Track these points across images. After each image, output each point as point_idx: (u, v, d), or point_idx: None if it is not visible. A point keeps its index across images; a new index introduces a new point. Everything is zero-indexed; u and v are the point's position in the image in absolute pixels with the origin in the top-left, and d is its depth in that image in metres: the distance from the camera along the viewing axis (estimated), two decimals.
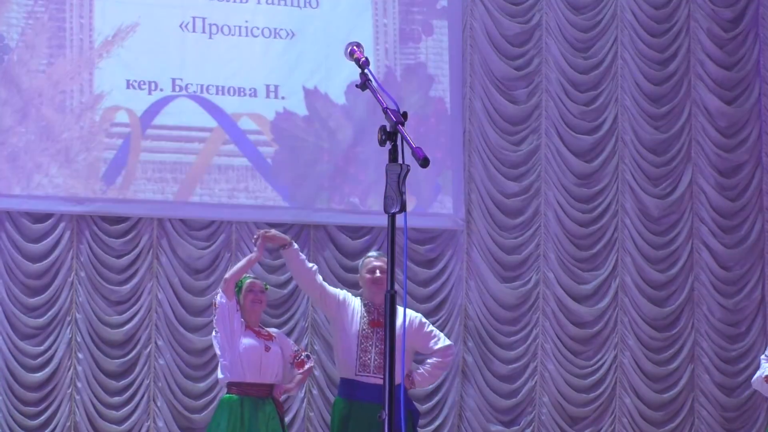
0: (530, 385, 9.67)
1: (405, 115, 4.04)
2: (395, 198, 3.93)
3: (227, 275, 6.87)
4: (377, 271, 6.62)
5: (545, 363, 9.68)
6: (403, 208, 3.93)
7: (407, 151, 3.96)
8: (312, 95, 9.38)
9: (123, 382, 8.97)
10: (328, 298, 6.69)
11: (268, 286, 7.21)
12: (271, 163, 9.28)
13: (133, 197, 8.99)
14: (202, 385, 9.06)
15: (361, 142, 9.39)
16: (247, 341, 6.78)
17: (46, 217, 8.95)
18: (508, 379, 9.64)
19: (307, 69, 9.38)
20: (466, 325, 9.60)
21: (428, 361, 6.83)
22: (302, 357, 7.04)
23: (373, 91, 4.21)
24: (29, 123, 8.88)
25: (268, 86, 9.31)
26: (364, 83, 4.26)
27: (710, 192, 10.04)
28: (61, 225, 8.96)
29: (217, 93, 9.21)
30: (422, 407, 9.15)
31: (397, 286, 4.26)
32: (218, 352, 6.86)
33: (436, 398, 9.44)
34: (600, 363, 9.78)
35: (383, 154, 4.03)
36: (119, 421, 8.93)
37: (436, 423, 9.45)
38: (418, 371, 6.81)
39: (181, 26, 9.21)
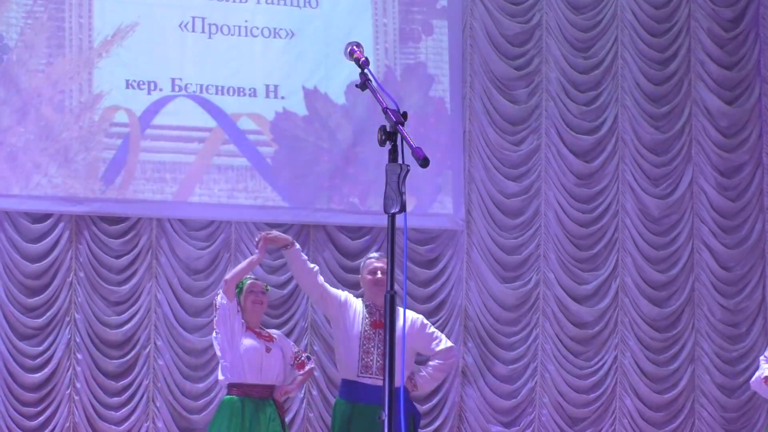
0: (530, 385, 9.65)
1: (405, 115, 4.03)
2: (395, 198, 3.91)
3: (227, 276, 6.84)
4: (378, 272, 6.59)
5: (545, 363, 9.67)
6: (403, 209, 3.91)
7: (407, 151, 3.95)
8: (312, 95, 9.37)
9: (122, 382, 8.96)
10: (330, 298, 6.66)
11: (269, 288, 7.19)
12: (271, 163, 9.27)
13: (133, 197, 8.97)
14: (202, 386, 9.04)
15: (360, 142, 9.37)
16: (247, 342, 6.76)
17: (45, 217, 8.94)
18: (508, 379, 9.63)
19: (307, 69, 9.37)
20: (466, 326, 9.59)
21: (430, 363, 6.80)
22: (303, 358, 7.02)
23: (373, 91, 4.20)
24: (28, 123, 8.86)
25: (267, 86, 9.30)
26: (364, 83, 4.24)
27: (711, 192, 10.03)
28: (60, 225, 8.94)
29: (216, 93, 9.20)
30: (422, 408, 9.14)
31: (397, 287, 4.25)
32: (219, 353, 6.83)
33: (436, 399, 9.42)
34: (600, 364, 9.77)
35: (383, 154, 4.02)
36: (118, 422, 8.92)
37: (436, 423, 9.44)
38: (420, 374, 6.78)
39: (180, 26, 9.19)
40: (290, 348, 7.02)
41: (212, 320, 8.98)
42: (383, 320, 4.10)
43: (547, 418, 9.63)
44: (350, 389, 6.58)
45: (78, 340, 8.92)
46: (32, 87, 8.88)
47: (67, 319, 8.92)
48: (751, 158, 10.15)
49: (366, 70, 4.25)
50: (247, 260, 6.90)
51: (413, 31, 9.66)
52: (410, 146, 3.90)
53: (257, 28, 9.33)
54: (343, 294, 6.73)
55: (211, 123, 9.18)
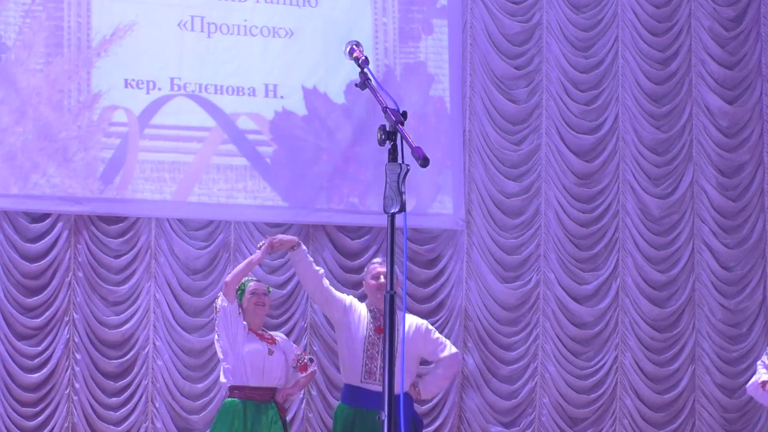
0: (530, 386, 9.64)
1: (405, 114, 4.02)
2: (395, 198, 3.90)
3: (228, 278, 6.79)
4: (382, 276, 6.54)
5: (545, 364, 9.65)
6: (402, 208, 3.90)
7: (407, 150, 3.93)
8: (311, 94, 9.35)
9: (121, 382, 8.95)
10: (335, 302, 6.61)
11: (271, 289, 7.15)
12: (270, 163, 9.25)
13: (131, 197, 8.95)
14: (201, 386, 9.03)
15: (360, 142, 9.35)
16: (250, 345, 6.71)
17: (44, 216, 8.93)
18: (508, 380, 9.62)
19: (306, 68, 9.35)
20: (466, 326, 9.57)
21: (434, 370, 6.76)
22: (305, 360, 6.96)
23: (373, 91, 4.18)
24: (27, 122, 8.84)
25: (266, 85, 9.28)
26: (364, 82, 4.23)
27: (711, 192, 10.01)
28: (59, 225, 8.93)
29: (215, 92, 9.18)
30: (422, 409, 9.12)
31: (397, 287, 4.24)
32: (221, 355, 6.79)
33: (436, 399, 9.40)
34: (600, 364, 9.76)
35: (383, 153, 4.00)
36: (117, 422, 8.91)
37: (436, 424, 9.42)
38: (424, 380, 6.73)
39: (179, 25, 9.17)
40: (292, 350, 6.98)
41: (211, 320, 9.03)
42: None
43: (547, 418, 9.61)
44: (353, 394, 6.54)
45: (77, 340, 8.91)
46: (31, 86, 8.86)
47: (66, 319, 8.91)
48: (752, 158, 10.13)
49: (366, 70, 4.24)
50: (247, 260, 6.86)
51: (413, 30, 9.64)
52: (410, 146, 3.89)
53: (256, 28, 9.30)
54: (348, 298, 6.67)
55: (210, 122, 9.16)
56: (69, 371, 8.89)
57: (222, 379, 6.82)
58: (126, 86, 9.02)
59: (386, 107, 4.03)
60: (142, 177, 8.99)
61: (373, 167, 9.28)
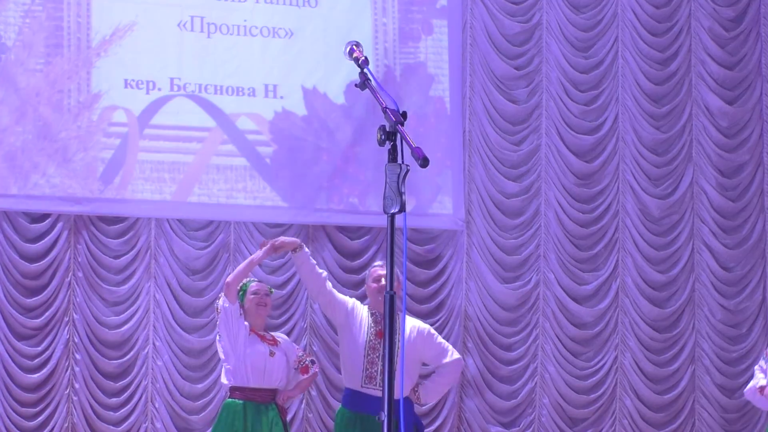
0: (530, 386, 9.63)
1: (404, 114, 4.01)
2: (395, 198, 3.89)
3: (229, 279, 6.77)
4: (383, 279, 6.51)
5: (545, 364, 9.65)
6: (402, 209, 3.89)
7: (407, 150, 3.93)
8: (311, 95, 9.34)
9: (121, 383, 8.95)
10: (337, 306, 6.58)
11: (272, 290, 7.13)
12: (270, 163, 9.24)
13: (131, 197, 8.95)
14: (201, 387, 9.02)
15: (360, 142, 9.35)
16: (251, 346, 6.68)
17: (44, 217, 8.92)
18: (508, 380, 9.61)
19: (306, 68, 9.34)
20: (465, 326, 9.57)
21: (436, 377, 6.73)
22: (307, 362, 6.91)
23: (373, 91, 4.18)
24: (26, 122, 8.84)
25: (266, 86, 9.28)
26: (364, 83, 4.23)
27: (711, 192, 10.01)
28: (59, 225, 8.93)
29: (215, 92, 9.17)
30: (422, 409, 9.11)
31: (398, 288, 4.24)
32: (222, 356, 6.77)
33: (435, 400, 9.39)
34: (600, 364, 9.75)
35: (382, 153, 4.00)
36: (117, 422, 8.91)
37: (436, 424, 9.42)
38: (424, 385, 6.70)
39: (179, 25, 9.17)
40: (294, 352, 6.94)
41: (211, 321, 9.03)
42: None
43: (547, 418, 9.61)
44: (354, 399, 6.51)
45: (76, 340, 8.90)
46: (30, 86, 8.86)
47: (66, 319, 8.90)
48: (751, 158, 10.13)
49: (365, 70, 4.24)
50: (248, 260, 6.84)
51: (413, 30, 9.63)
52: (410, 146, 3.88)
53: (256, 28, 9.30)
54: (351, 301, 6.64)
55: (210, 123, 9.15)
56: (69, 371, 8.89)
57: (223, 379, 6.80)
58: (126, 86, 9.02)
59: (386, 107, 4.02)
60: (142, 177, 8.99)
61: (372, 167, 9.27)
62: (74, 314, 8.92)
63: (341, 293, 6.74)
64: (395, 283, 4.05)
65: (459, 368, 6.75)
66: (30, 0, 8.93)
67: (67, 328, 8.90)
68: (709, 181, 10.03)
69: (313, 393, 9.18)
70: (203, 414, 8.97)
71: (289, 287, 9.21)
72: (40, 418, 8.82)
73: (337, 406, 6.98)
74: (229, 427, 6.67)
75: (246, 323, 6.73)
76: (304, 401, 9.16)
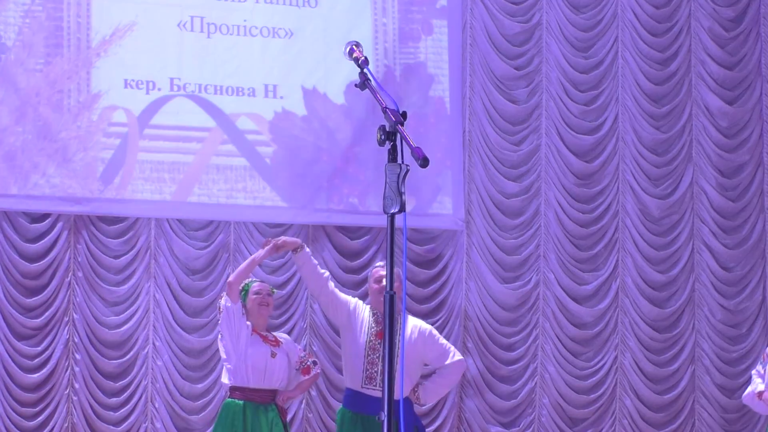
0: (530, 386, 9.63)
1: (404, 114, 4.01)
2: (395, 198, 3.89)
3: (231, 278, 6.77)
4: (384, 280, 6.50)
5: (545, 364, 9.65)
6: (402, 209, 3.89)
7: (407, 150, 3.92)
8: (311, 95, 9.34)
9: (121, 383, 8.94)
10: (339, 306, 6.57)
11: (274, 290, 7.13)
12: (270, 163, 9.24)
13: (131, 197, 8.95)
14: (200, 386, 9.02)
15: (360, 142, 9.35)
16: (252, 346, 6.67)
17: (44, 217, 8.92)
18: (507, 380, 9.61)
19: (306, 68, 9.34)
20: (465, 326, 9.56)
21: (437, 377, 6.71)
22: (308, 363, 6.89)
23: (373, 91, 4.18)
24: (26, 122, 8.84)
25: (266, 86, 9.27)
26: (364, 83, 4.23)
27: (711, 192, 10.01)
28: (59, 225, 8.92)
29: (215, 93, 9.17)
30: (422, 409, 9.11)
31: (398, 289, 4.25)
32: (223, 355, 6.76)
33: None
34: (600, 364, 9.75)
35: (382, 154, 4.00)
36: (117, 422, 8.90)
37: (436, 424, 9.42)
38: (424, 386, 6.69)
39: (179, 25, 9.17)
40: (297, 353, 6.92)
41: (211, 321, 9.04)
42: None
43: (546, 418, 9.61)
44: (354, 399, 6.51)
45: (76, 340, 8.90)
46: (30, 86, 8.86)
47: (66, 319, 8.90)
48: (751, 158, 10.13)
49: (365, 70, 4.23)
50: (249, 259, 6.83)
51: (413, 30, 9.63)
52: (410, 146, 3.88)
53: (256, 28, 9.30)
54: (353, 301, 6.63)
55: (210, 123, 9.15)
56: (69, 371, 8.89)
57: (223, 379, 6.79)
58: (126, 86, 9.02)
59: (386, 107, 4.02)
60: (142, 177, 8.99)
61: (372, 168, 9.27)
62: (74, 314, 8.92)
63: (343, 293, 6.74)
64: (396, 283, 4.05)
65: (461, 370, 6.73)
66: (30, 0, 8.93)
67: (67, 328, 8.90)
68: (709, 181, 10.02)
69: (313, 393, 9.18)
70: (203, 414, 8.97)
71: (289, 287, 9.20)
72: (40, 418, 8.81)
73: (337, 406, 6.99)
74: (228, 427, 6.66)
75: (248, 323, 6.72)
76: (304, 401, 9.16)
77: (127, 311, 8.98)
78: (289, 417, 9.00)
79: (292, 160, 9.25)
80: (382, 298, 6.38)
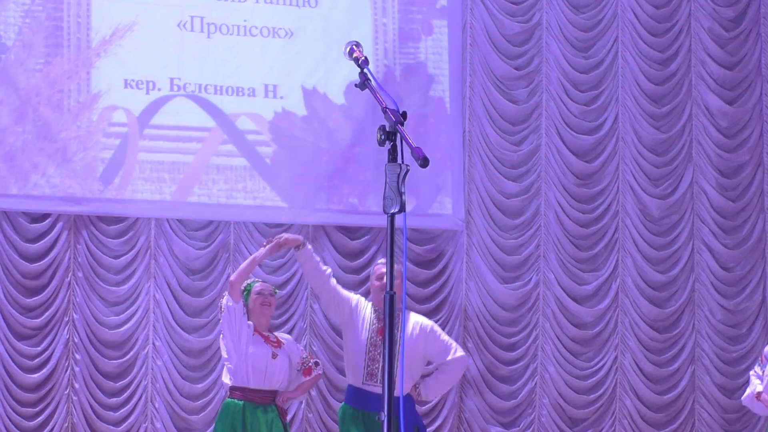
0: (530, 386, 9.63)
1: (404, 114, 4.01)
2: (394, 198, 3.89)
3: (233, 277, 6.77)
4: (385, 277, 6.50)
5: (545, 364, 9.65)
6: (402, 209, 3.89)
7: (407, 150, 3.92)
8: (311, 95, 9.34)
9: (121, 383, 8.94)
10: (342, 302, 6.58)
11: (277, 290, 7.12)
12: (270, 163, 9.24)
13: (131, 197, 8.95)
14: (200, 387, 9.02)
15: (360, 142, 9.35)
16: (254, 346, 6.66)
17: (44, 217, 8.92)
18: (507, 380, 9.61)
19: (306, 68, 9.34)
20: (465, 326, 9.56)
21: (438, 374, 6.72)
22: (310, 364, 6.88)
23: (373, 91, 4.18)
24: (26, 122, 8.84)
25: (266, 86, 9.27)
26: (364, 83, 4.23)
27: (711, 192, 10.01)
28: (59, 225, 8.92)
29: (215, 93, 9.17)
30: (422, 409, 9.11)
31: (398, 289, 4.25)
32: (225, 355, 6.76)
33: (436, 399, 9.39)
34: (600, 364, 9.75)
35: (382, 154, 4.00)
36: (117, 423, 8.90)
37: (436, 424, 9.42)
38: (425, 382, 6.69)
39: (179, 25, 9.17)
40: (298, 353, 6.90)
41: (211, 321, 9.04)
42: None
43: (546, 418, 9.61)
44: (355, 396, 6.53)
45: (76, 340, 8.90)
46: (30, 86, 8.86)
47: (66, 319, 8.90)
48: (751, 158, 10.13)
49: (365, 70, 4.23)
50: (250, 258, 6.83)
51: (413, 30, 9.63)
52: (410, 146, 3.88)
53: (256, 28, 9.30)
54: (355, 298, 6.64)
55: (210, 123, 9.15)
56: (69, 371, 8.89)
57: (224, 378, 6.79)
58: (126, 86, 9.02)
59: (386, 107, 4.02)
60: (142, 177, 8.99)
61: (372, 168, 9.27)
62: (74, 314, 8.91)
63: (345, 290, 6.75)
64: (396, 281, 4.06)
65: (462, 366, 6.73)
66: (30, 0, 8.93)
67: (67, 328, 8.90)
68: (709, 181, 10.02)
69: (314, 393, 9.17)
70: (203, 414, 8.97)
71: (289, 287, 9.20)
72: (40, 418, 8.81)
73: (338, 406, 6.99)
74: (228, 426, 6.66)
75: (250, 323, 6.72)
76: (303, 401, 9.16)
77: (127, 311, 8.98)
78: (289, 417, 8.99)
79: (292, 160, 9.24)
80: (383, 296, 6.40)
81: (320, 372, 6.97)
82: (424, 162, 3.86)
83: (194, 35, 9.18)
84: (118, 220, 9.01)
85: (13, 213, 8.86)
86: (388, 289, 3.98)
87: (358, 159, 9.36)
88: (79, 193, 8.86)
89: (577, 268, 9.79)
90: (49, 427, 8.81)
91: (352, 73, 4.54)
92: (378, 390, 6.36)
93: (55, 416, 8.83)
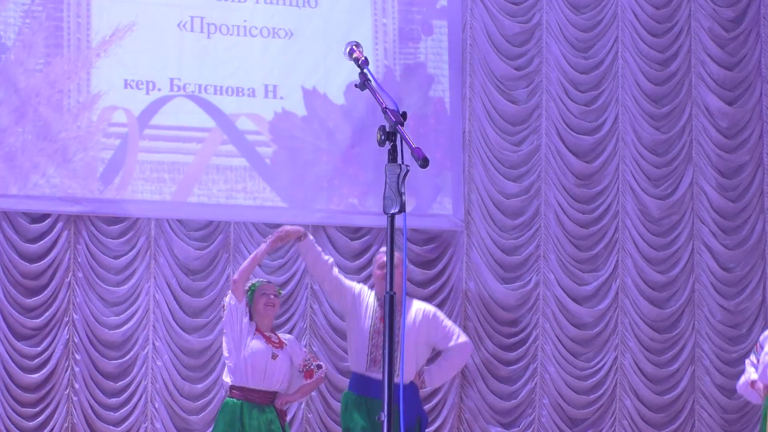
0: (530, 386, 9.63)
1: (404, 115, 4.02)
2: (394, 198, 3.90)
3: (236, 276, 6.77)
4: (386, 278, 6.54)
5: (545, 364, 9.64)
6: (402, 209, 3.90)
7: (407, 151, 3.93)
8: (311, 95, 9.34)
9: (120, 383, 8.94)
10: (345, 291, 6.65)
11: (281, 291, 7.12)
12: (270, 164, 9.24)
13: (131, 197, 8.95)
14: (200, 387, 9.02)
15: (360, 143, 9.35)
16: (254, 346, 6.66)
17: (44, 217, 8.92)
18: (507, 380, 9.61)
19: (306, 69, 9.34)
20: (465, 326, 9.56)
21: (441, 360, 6.75)
22: (312, 366, 6.87)
23: (373, 91, 4.18)
24: (26, 123, 8.84)
25: (266, 86, 9.27)
26: (364, 83, 4.23)
27: (711, 193, 10.01)
28: (59, 225, 8.92)
29: (215, 93, 9.17)
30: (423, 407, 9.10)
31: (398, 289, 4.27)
32: (226, 353, 6.76)
33: (436, 399, 9.40)
34: (600, 364, 9.75)
35: (382, 154, 4.00)
36: (117, 423, 8.90)
37: (436, 424, 9.42)
38: (429, 370, 6.73)
39: (179, 26, 9.17)
40: (301, 355, 6.89)
41: (211, 321, 9.04)
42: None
43: (546, 419, 9.61)
44: (359, 382, 6.58)
45: (76, 340, 8.90)
46: (30, 87, 8.86)
47: (66, 319, 8.90)
48: (751, 159, 10.12)
49: (365, 70, 4.24)
50: (252, 255, 6.84)
51: (413, 31, 9.63)
52: (410, 146, 3.89)
53: (256, 28, 9.30)
54: (358, 286, 6.72)
55: (210, 123, 9.15)
56: (69, 372, 8.88)
57: (225, 377, 6.79)
58: (126, 87, 9.01)
59: (386, 108, 4.03)
60: (142, 177, 8.99)
61: (372, 168, 9.27)
62: (74, 314, 8.91)
63: (347, 279, 6.80)
64: (397, 269, 4.07)
65: (466, 352, 6.76)
66: (30, 0, 8.93)
67: (67, 328, 8.90)
68: (709, 182, 10.02)
69: (314, 393, 9.17)
70: (203, 414, 8.97)
71: (289, 287, 9.20)
72: (40, 418, 8.81)
73: (338, 407, 7.00)
74: (227, 426, 6.66)
75: (252, 323, 6.72)
76: (303, 402, 9.16)
77: (127, 311, 8.98)
78: (289, 417, 9.00)
79: (292, 161, 9.25)
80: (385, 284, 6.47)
81: (323, 375, 6.95)
82: (424, 162, 3.86)
83: (194, 35, 9.18)
84: (118, 220, 9.01)
85: (13, 213, 8.86)
86: (388, 289, 3.98)
87: (358, 159, 9.36)
88: (79, 193, 8.86)
89: (577, 268, 9.79)
90: (49, 428, 8.81)
91: (352, 73, 4.54)
92: (380, 376, 6.38)
93: (55, 416, 8.83)
